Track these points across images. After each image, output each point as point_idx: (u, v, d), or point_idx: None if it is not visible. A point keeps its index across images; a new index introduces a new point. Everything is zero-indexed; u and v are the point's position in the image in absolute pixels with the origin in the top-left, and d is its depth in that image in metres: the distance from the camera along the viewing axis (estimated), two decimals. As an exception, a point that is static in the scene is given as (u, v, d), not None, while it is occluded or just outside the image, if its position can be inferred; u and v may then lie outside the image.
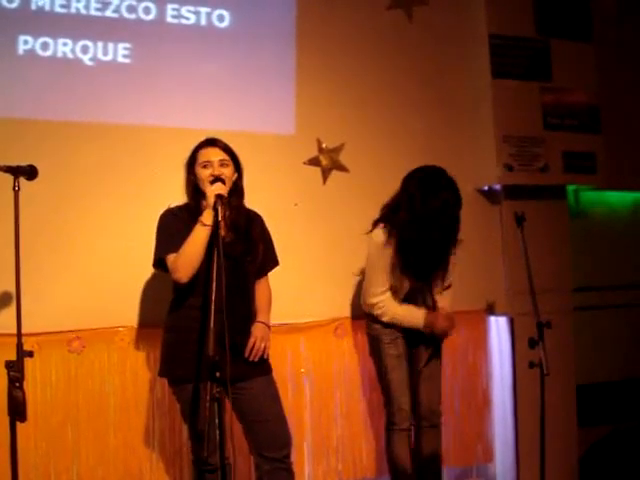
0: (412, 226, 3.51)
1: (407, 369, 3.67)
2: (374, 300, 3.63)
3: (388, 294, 3.61)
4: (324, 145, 4.17)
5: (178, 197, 3.18)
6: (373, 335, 3.73)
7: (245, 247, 3.12)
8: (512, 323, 4.43)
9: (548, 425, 3.59)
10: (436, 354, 3.73)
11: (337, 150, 4.19)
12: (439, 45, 4.48)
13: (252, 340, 3.10)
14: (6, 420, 2.67)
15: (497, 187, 4.46)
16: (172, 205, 3.17)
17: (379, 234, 3.59)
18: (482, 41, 4.50)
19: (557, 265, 4.50)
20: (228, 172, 3.07)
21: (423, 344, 3.70)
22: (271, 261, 3.31)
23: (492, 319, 4.49)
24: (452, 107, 4.45)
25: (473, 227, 4.08)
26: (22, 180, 2.74)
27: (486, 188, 4.48)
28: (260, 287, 3.26)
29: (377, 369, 3.74)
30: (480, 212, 4.44)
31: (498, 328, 4.46)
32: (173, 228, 3.05)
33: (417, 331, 3.63)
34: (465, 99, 4.50)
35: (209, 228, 2.88)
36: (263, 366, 3.15)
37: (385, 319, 3.63)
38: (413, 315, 3.62)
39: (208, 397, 2.56)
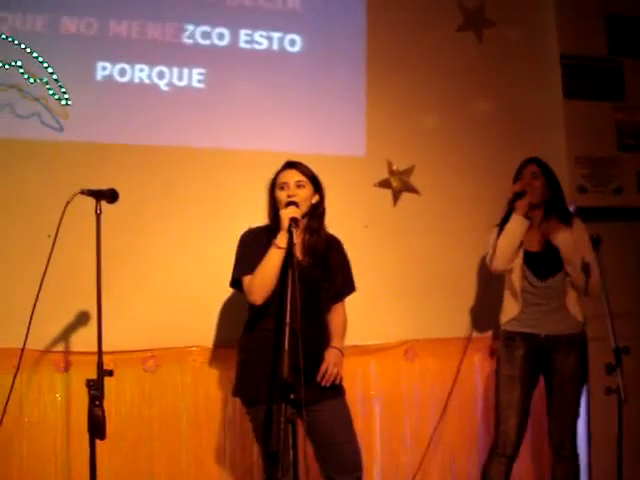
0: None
1: (521, 392, 3.58)
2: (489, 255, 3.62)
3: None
4: (394, 167, 4.17)
5: (253, 218, 3.21)
6: (497, 355, 3.73)
7: (322, 274, 3.12)
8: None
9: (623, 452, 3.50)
10: (573, 376, 3.63)
11: (407, 172, 4.19)
12: (510, 66, 4.46)
13: (325, 365, 3.09)
14: (85, 436, 2.72)
15: (570, 209, 4.39)
16: (253, 226, 3.20)
17: (492, 231, 3.69)
18: (554, 61, 4.48)
19: (632, 289, 4.40)
20: (304, 193, 3.09)
21: (561, 362, 3.61)
22: (348, 287, 3.30)
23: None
24: (523, 128, 4.41)
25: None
26: (103, 203, 2.82)
27: (559, 210, 4.41)
28: (335, 312, 3.26)
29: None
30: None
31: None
32: (251, 248, 3.07)
33: (547, 343, 3.59)
34: (537, 120, 4.46)
35: (283, 251, 2.90)
36: (336, 389, 3.13)
37: (495, 258, 3.58)
38: (509, 227, 3.57)
39: (283, 418, 2.57)
